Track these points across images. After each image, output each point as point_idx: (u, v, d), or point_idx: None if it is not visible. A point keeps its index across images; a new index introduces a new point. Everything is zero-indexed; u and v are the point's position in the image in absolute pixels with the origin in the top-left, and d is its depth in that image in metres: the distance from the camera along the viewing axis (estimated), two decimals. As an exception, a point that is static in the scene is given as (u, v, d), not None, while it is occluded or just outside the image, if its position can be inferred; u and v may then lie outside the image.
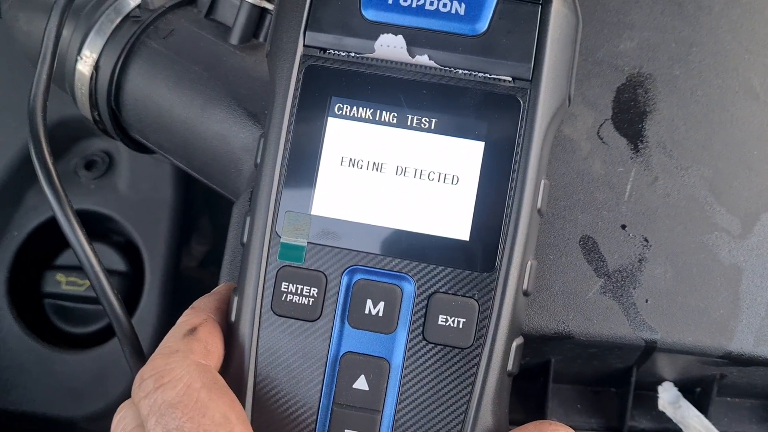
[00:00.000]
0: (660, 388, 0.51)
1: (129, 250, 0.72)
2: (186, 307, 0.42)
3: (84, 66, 0.55)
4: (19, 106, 0.50)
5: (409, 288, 0.38)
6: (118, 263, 0.71)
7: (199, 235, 0.79)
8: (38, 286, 0.71)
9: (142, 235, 0.71)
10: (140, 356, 0.43)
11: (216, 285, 0.70)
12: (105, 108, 0.55)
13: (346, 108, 0.38)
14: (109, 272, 0.69)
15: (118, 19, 0.54)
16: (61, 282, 0.71)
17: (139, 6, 0.55)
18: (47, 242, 0.71)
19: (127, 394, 0.42)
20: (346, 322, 0.38)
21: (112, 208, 0.71)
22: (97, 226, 0.72)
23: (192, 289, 0.76)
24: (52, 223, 0.71)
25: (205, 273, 0.80)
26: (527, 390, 0.53)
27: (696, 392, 0.52)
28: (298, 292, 0.38)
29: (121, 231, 0.72)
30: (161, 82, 0.53)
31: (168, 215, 0.71)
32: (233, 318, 0.39)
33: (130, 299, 0.71)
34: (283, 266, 0.38)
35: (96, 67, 0.54)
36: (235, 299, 0.39)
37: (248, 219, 0.39)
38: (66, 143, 0.73)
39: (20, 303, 0.70)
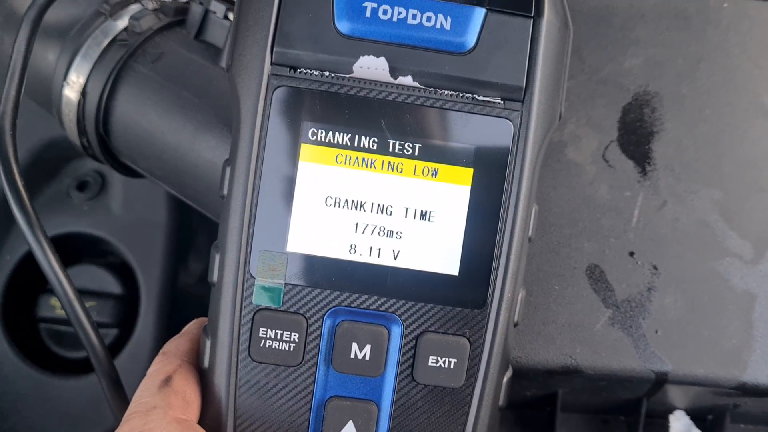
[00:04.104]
0: (671, 417, 0.49)
1: (124, 272, 0.70)
2: (184, 327, 0.40)
3: (71, 92, 0.53)
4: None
5: (396, 329, 0.36)
6: (113, 286, 0.70)
7: (197, 253, 0.77)
8: (32, 310, 0.70)
9: (136, 257, 0.69)
10: (119, 389, 0.42)
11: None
12: (93, 134, 0.53)
13: (321, 133, 0.35)
14: (105, 295, 0.69)
15: (105, 42, 0.53)
16: (56, 306, 0.69)
17: (126, 29, 0.53)
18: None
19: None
20: (331, 367, 0.36)
21: (105, 230, 0.70)
22: (90, 249, 0.71)
23: (191, 307, 0.74)
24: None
25: (204, 290, 0.79)
26: (534, 419, 0.52)
27: (708, 420, 0.51)
28: (278, 337, 0.35)
29: (115, 253, 0.71)
30: (151, 109, 0.51)
31: (163, 236, 0.70)
32: (207, 364, 0.36)
33: (126, 322, 0.69)
34: (259, 309, 0.35)
35: (83, 92, 0.52)
36: (208, 343, 0.36)
37: (217, 257, 0.36)
38: (57, 164, 0.72)
39: (14, 328, 0.68)
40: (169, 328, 0.70)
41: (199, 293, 0.78)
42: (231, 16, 0.52)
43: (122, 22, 0.53)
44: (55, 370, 0.68)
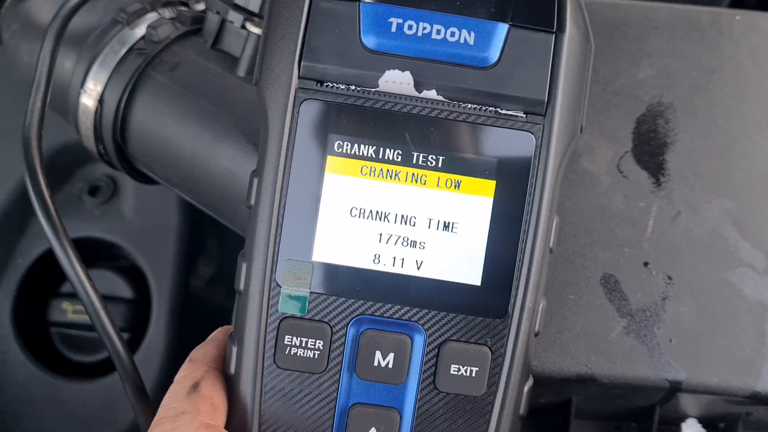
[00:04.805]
0: (684, 425, 0.50)
1: (135, 277, 0.71)
2: (195, 331, 0.40)
3: (88, 99, 0.53)
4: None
5: (419, 337, 0.36)
6: (125, 290, 0.70)
7: (207, 256, 0.77)
8: (44, 314, 0.70)
9: (148, 262, 0.70)
10: (143, 393, 0.42)
11: (224, 305, 0.67)
12: (110, 142, 0.54)
13: (347, 146, 0.36)
14: (116, 299, 0.70)
15: (123, 51, 0.53)
16: (67, 310, 0.69)
17: (143, 38, 0.53)
18: (52, 270, 0.69)
19: (136, 425, 0.41)
20: (354, 374, 0.36)
21: (117, 235, 0.70)
22: (102, 253, 0.71)
23: (200, 309, 0.75)
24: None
25: (213, 292, 0.79)
26: (547, 426, 0.52)
27: (720, 428, 0.51)
28: (303, 345, 0.36)
29: (127, 257, 0.71)
30: (168, 117, 0.52)
31: (174, 241, 0.70)
32: (233, 370, 0.37)
33: (138, 326, 0.70)
34: (284, 317, 0.36)
35: (101, 100, 0.53)
36: (234, 350, 0.37)
37: (244, 266, 0.37)
38: (69, 168, 0.72)
39: (26, 332, 0.69)
40: (180, 331, 0.70)
41: (209, 297, 0.78)
42: (248, 25, 0.52)
43: (139, 31, 0.54)
44: (66, 374, 0.69)
